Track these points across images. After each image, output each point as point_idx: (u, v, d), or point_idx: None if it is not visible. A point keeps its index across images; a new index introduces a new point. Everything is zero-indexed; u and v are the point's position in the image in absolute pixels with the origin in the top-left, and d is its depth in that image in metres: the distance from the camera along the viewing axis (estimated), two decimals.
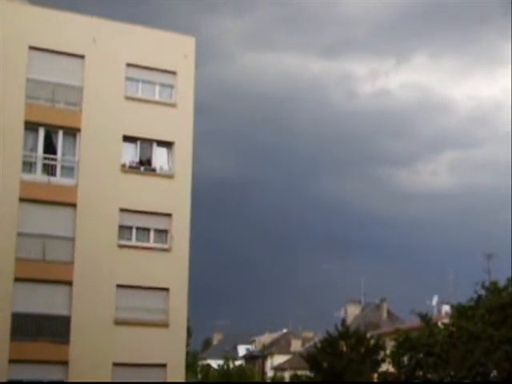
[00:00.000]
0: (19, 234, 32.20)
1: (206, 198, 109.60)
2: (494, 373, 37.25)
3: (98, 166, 33.96)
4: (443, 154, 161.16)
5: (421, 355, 39.29)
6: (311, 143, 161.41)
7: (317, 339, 71.18)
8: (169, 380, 33.81)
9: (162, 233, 35.04)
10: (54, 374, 32.18)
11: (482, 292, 39.47)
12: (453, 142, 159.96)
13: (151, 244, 34.76)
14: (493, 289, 39.06)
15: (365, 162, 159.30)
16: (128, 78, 35.29)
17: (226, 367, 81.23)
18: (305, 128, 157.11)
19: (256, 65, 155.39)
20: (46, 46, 33.76)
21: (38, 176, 33.20)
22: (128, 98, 35.11)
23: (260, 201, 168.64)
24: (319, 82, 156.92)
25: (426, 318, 41.59)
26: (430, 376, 39.17)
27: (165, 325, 34.17)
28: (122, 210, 34.09)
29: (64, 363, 32.21)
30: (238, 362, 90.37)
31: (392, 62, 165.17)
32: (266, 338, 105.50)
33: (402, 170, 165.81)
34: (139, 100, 35.42)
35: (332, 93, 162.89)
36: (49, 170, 33.39)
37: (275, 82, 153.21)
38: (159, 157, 35.62)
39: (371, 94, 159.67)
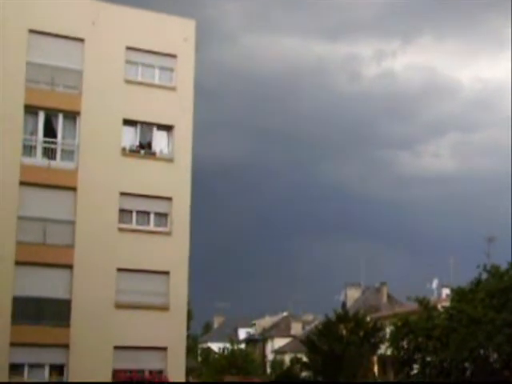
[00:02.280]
0: (19, 218, 32.22)
1: (206, 182, 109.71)
2: (495, 356, 37.36)
3: (98, 149, 33.94)
4: (446, 137, 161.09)
5: (420, 339, 39.36)
6: (313, 126, 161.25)
7: (317, 322, 71.47)
8: (169, 364, 33.92)
9: (163, 216, 35.07)
10: (55, 357, 32.31)
11: (485, 275, 39.49)
12: (456, 125, 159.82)
13: (151, 228, 34.80)
14: (494, 272, 39.10)
15: (367, 144, 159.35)
16: (128, 62, 35.21)
17: (231, 350, 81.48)
18: (307, 111, 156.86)
19: (258, 47, 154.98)
20: (45, 30, 33.66)
21: (38, 160, 33.20)
22: (128, 82, 35.05)
23: (261, 185, 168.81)
24: (323, 64, 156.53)
25: (423, 303, 41.62)
26: (428, 359, 39.27)
27: (165, 308, 34.27)
28: (123, 194, 34.11)
29: (65, 346, 32.33)
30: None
31: (397, 44, 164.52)
32: (267, 322, 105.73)
33: (404, 153, 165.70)
34: (139, 83, 35.37)
35: (336, 75, 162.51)
36: (49, 153, 33.38)
37: (277, 65, 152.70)
38: (159, 140, 35.61)
39: (375, 75, 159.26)
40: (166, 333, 33.99)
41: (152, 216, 34.91)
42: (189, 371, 55.82)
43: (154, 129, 35.49)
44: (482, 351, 37.12)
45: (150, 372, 33.86)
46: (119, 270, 33.60)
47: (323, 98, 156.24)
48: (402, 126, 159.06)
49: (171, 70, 36.04)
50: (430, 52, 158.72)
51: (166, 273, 34.51)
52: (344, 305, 59.02)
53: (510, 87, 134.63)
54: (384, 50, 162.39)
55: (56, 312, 32.56)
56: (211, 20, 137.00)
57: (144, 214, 34.83)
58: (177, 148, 35.51)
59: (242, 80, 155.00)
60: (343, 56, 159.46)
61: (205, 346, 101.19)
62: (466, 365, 38.01)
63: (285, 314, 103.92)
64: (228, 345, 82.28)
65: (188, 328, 38.75)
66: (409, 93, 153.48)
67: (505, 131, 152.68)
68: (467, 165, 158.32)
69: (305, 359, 56.32)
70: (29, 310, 32.08)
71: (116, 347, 33.07)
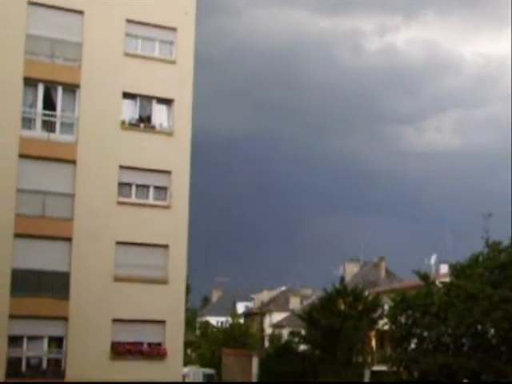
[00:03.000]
0: (19, 191, 32.17)
1: (207, 154, 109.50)
2: (492, 332, 37.53)
3: (98, 122, 33.83)
4: (448, 112, 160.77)
5: (417, 314, 39.50)
6: (316, 99, 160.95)
7: (315, 297, 71.68)
8: (167, 337, 34.05)
9: (162, 190, 35.04)
10: (54, 329, 32.40)
11: (486, 250, 39.54)
12: (457, 101, 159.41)
13: (151, 201, 34.78)
14: (494, 248, 39.15)
15: (370, 118, 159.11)
16: (128, 34, 34.99)
17: (229, 323, 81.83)
18: (310, 84, 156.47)
19: (262, 20, 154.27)
20: (45, 2, 33.38)
21: (38, 132, 33.10)
22: (127, 55, 34.88)
23: (262, 157, 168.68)
24: (326, 38, 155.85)
25: (424, 277, 41.73)
26: (426, 334, 39.43)
27: (164, 282, 34.32)
28: (122, 167, 34.06)
29: (64, 319, 32.42)
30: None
31: (400, 19, 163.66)
32: (265, 296, 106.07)
33: (407, 128, 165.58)
34: (139, 56, 35.18)
35: (339, 49, 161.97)
36: (48, 126, 33.26)
37: (281, 38, 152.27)
38: (159, 114, 35.49)
39: (378, 50, 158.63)
40: (165, 306, 34.08)
41: (151, 189, 34.87)
42: (187, 344, 56.14)
43: (154, 102, 35.37)
44: (479, 327, 37.29)
45: (149, 345, 33.98)
46: (118, 243, 33.61)
47: (326, 72, 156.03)
48: (405, 100, 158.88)
49: (171, 43, 35.85)
50: (432, 27, 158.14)
51: (165, 246, 34.54)
52: (342, 280, 59.10)
53: (510, 64, 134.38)
54: (387, 25, 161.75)
55: (55, 285, 32.60)
56: None
57: (143, 188, 34.79)
58: (176, 122, 35.41)
59: (245, 53, 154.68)
60: (346, 30, 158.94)
61: (203, 319, 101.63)
62: (464, 340, 38.21)
63: (283, 288, 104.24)
64: (226, 319, 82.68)
65: (186, 301, 38.81)
66: (411, 67, 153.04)
67: (506, 107, 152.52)
68: (469, 140, 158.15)
69: (303, 333, 56.57)
70: (28, 283, 32.11)
71: (114, 320, 33.15)
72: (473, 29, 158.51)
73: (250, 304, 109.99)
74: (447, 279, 43.08)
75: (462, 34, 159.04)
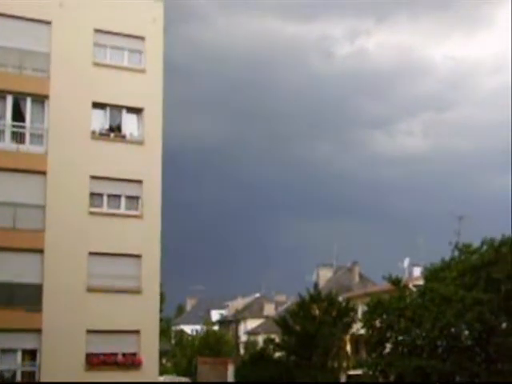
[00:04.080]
0: None
1: (179, 163, 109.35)
2: (466, 333, 37.74)
3: (68, 133, 33.71)
4: (418, 116, 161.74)
5: (392, 318, 39.62)
6: (287, 106, 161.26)
7: (289, 303, 71.77)
8: (142, 346, 33.93)
9: (134, 199, 34.95)
10: (28, 342, 32.18)
11: (456, 253, 39.83)
12: (428, 105, 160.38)
13: (122, 211, 34.68)
14: (465, 250, 39.42)
15: (341, 123, 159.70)
16: (96, 44, 34.93)
17: (205, 331, 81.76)
18: (281, 90, 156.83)
19: (232, 28, 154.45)
20: (11, 12, 33.22)
21: (7, 144, 32.90)
22: (96, 64, 34.80)
23: (233, 166, 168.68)
24: (296, 43, 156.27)
25: (396, 282, 41.88)
26: (401, 338, 39.58)
27: (137, 291, 34.22)
28: (93, 178, 33.94)
29: (37, 331, 32.20)
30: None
31: (371, 23, 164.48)
32: (239, 303, 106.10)
33: (378, 132, 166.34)
34: (108, 66, 35.12)
35: (310, 54, 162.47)
36: (17, 137, 33.08)
37: (251, 45, 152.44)
38: (129, 123, 35.42)
39: (349, 54, 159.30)
40: (139, 316, 33.98)
41: (123, 199, 34.77)
42: (162, 353, 55.92)
43: (124, 111, 35.30)
44: (453, 329, 37.48)
45: (124, 355, 33.85)
46: (91, 253, 33.48)
47: (297, 78, 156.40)
48: (376, 105, 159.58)
49: (140, 52, 35.82)
50: (404, 31, 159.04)
51: (138, 256, 34.44)
52: (316, 285, 59.08)
53: (482, 66, 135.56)
54: (358, 29, 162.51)
55: (28, 297, 32.40)
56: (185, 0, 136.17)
57: (115, 198, 34.68)
58: (147, 131, 35.36)
59: (216, 60, 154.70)
60: (317, 35, 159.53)
61: (178, 328, 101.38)
62: (438, 343, 38.38)
63: (257, 295, 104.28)
64: (201, 327, 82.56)
65: (161, 311, 38.69)
66: (382, 71, 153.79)
67: (477, 110, 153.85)
68: (440, 144, 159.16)
69: (278, 340, 56.59)
70: (0, 295, 31.88)
71: (89, 331, 33.00)
72: (444, 32, 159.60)
73: (224, 312, 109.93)
74: (420, 282, 43.27)
75: (433, 37, 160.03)
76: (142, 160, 35.06)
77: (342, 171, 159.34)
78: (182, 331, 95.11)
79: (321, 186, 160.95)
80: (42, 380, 31.90)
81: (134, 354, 33.97)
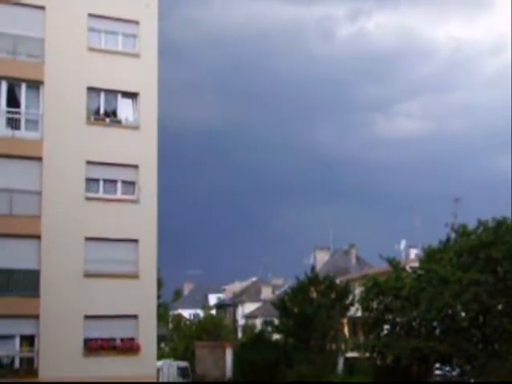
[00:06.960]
0: None
1: (176, 147, 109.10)
2: (462, 314, 37.86)
3: (63, 118, 33.62)
4: (419, 98, 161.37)
5: (389, 299, 39.75)
6: (287, 88, 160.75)
7: (287, 286, 71.81)
8: (140, 331, 33.98)
9: (130, 184, 34.90)
10: (26, 328, 32.17)
11: (452, 235, 39.93)
12: (429, 86, 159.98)
13: (119, 196, 34.64)
14: (462, 232, 39.51)
15: (341, 105, 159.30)
16: (90, 29, 34.79)
17: (202, 316, 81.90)
18: (281, 73, 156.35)
19: (230, 10, 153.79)
20: None
21: (2, 130, 32.78)
22: (91, 49, 34.67)
23: (230, 149, 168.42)
24: (297, 25, 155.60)
25: (393, 263, 42.01)
26: (398, 319, 39.71)
27: (135, 276, 34.22)
28: (89, 163, 33.87)
29: (35, 317, 32.21)
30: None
31: (372, 3, 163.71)
32: (236, 287, 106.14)
33: (377, 114, 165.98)
34: (102, 51, 34.98)
35: (309, 36, 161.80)
36: (13, 123, 32.98)
37: (251, 26, 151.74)
38: (124, 108, 35.32)
39: (350, 35, 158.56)
40: (137, 301, 33.99)
41: (119, 184, 34.72)
42: (160, 338, 56.02)
43: (119, 96, 35.20)
44: (449, 311, 37.60)
45: (122, 340, 33.89)
46: (87, 239, 33.45)
47: (296, 60, 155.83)
48: (376, 86, 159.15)
49: (134, 36, 35.69)
50: (405, 12, 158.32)
51: (135, 241, 34.43)
52: (313, 268, 59.27)
53: (484, 48, 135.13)
54: (359, 10, 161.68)
55: (25, 283, 32.39)
56: None
57: (111, 183, 34.62)
58: (142, 115, 35.28)
59: (215, 42, 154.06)
60: (317, 16, 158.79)
61: (176, 312, 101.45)
62: (435, 324, 38.52)
63: (254, 278, 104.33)
64: (199, 311, 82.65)
65: (158, 295, 38.81)
66: (383, 53, 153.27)
67: (477, 92, 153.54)
68: (439, 126, 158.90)
69: (276, 322, 56.74)
70: None
71: (86, 316, 33.01)
72: (445, 13, 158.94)
73: (221, 296, 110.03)
74: (417, 264, 43.38)
75: (434, 18, 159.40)
76: (138, 145, 35.00)
77: (340, 153, 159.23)
78: (179, 315, 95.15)
79: (319, 169, 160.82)
80: (41, 365, 31.97)
81: (132, 339, 33.99)
